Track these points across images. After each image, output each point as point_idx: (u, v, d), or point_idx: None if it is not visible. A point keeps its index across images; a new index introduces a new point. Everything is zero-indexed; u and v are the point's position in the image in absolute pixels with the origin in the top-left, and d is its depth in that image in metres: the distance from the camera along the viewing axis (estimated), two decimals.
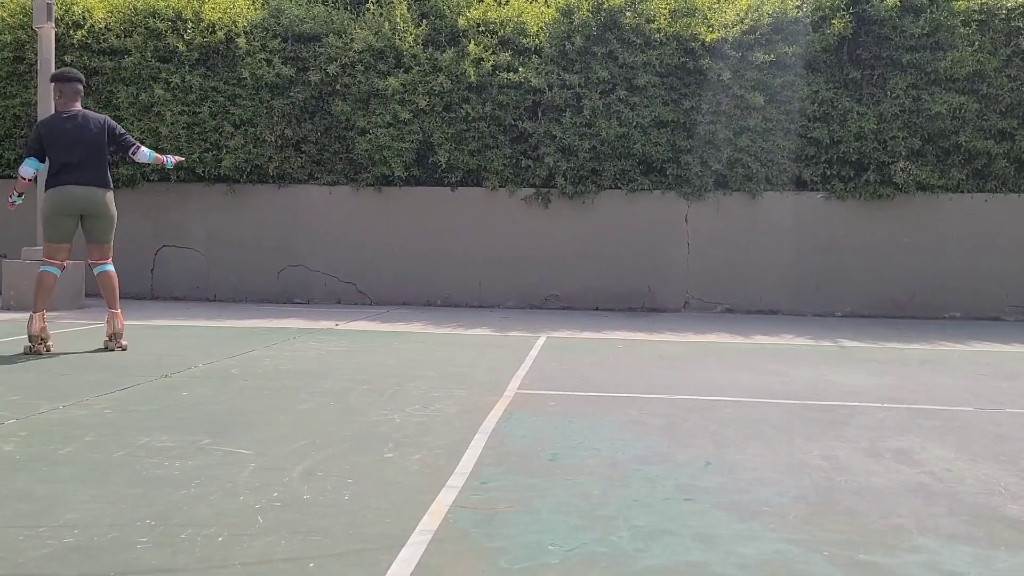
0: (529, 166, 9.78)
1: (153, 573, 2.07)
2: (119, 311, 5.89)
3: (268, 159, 10.01)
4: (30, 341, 5.57)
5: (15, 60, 10.13)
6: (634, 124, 9.48)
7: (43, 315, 5.60)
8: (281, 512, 2.52)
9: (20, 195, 5.86)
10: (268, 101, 9.85)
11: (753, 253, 9.71)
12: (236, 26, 9.79)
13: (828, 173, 9.56)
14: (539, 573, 2.12)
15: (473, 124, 9.68)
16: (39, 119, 8.78)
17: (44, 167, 5.81)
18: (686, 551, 2.28)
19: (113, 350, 5.79)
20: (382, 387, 4.58)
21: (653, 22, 9.35)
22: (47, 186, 5.73)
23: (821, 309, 9.66)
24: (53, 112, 5.83)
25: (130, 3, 9.97)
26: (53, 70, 8.84)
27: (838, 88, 9.43)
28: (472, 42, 9.48)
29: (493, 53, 9.51)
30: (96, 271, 5.94)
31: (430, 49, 9.71)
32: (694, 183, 9.60)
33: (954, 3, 9.12)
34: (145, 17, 9.88)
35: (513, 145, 9.80)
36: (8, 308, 8.55)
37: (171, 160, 6.18)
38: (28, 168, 5.68)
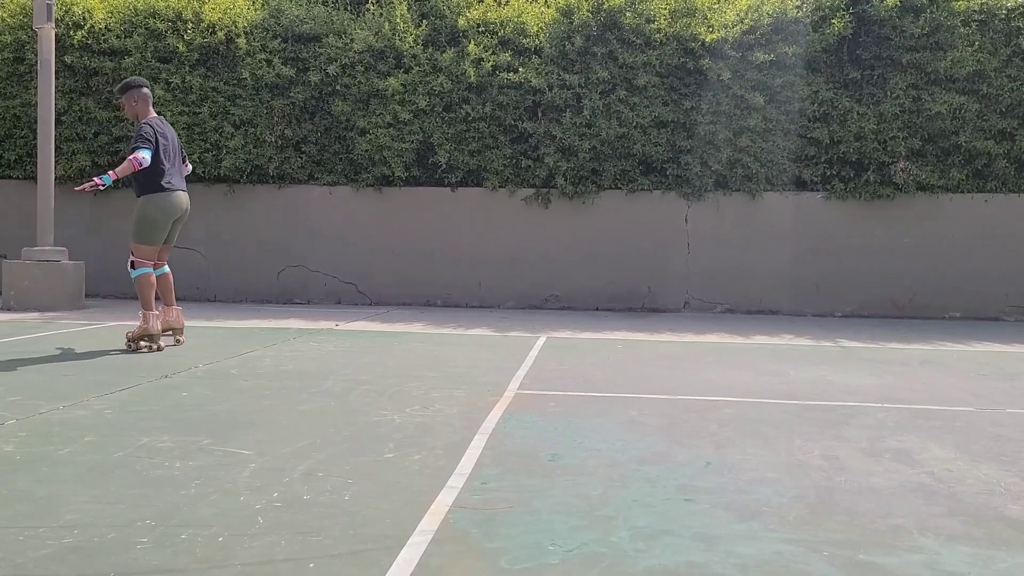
0: (529, 166, 9.78)
1: (153, 574, 2.07)
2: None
3: (268, 159, 10.01)
4: (150, 340, 5.76)
5: (15, 60, 10.14)
6: (634, 124, 9.48)
7: (157, 313, 5.84)
8: (281, 512, 2.52)
9: (112, 183, 5.68)
10: (268, 101, 9.86)
11: (753, 253, 9.71)
12: (236, 27, 9.79)
13: (828, 173, 9.56)
14: (539, 574, 2.12)
15: (473, 124, 9.68)
16: (39, 119, 8.79)
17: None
18: (686, 551, 2.28)
19: (180, 343, 6.12)
20: (382, 387, 4.58)
21: (653, 22, 9.36)
22: (155, 189, 5.71)
23: (821, 309, 9.66)
24: (148, 117, 5.80)
25: (130, 3, 9.98)
26: (53, 71, 8.87)
27: (838, 88, 9.44)
28: (472, 42, 9.48)
29: (493, 53, 9.52)
30: (163, 271, 6.07)
31: (430, 49, 9.71)
32: (694, 183, 9.60)
33: (954, 3, 9.12)
34: (145, 17, 9.89)
35: (513, 145, 9.80)
36: (8, 308, 8.55)
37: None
38: (148, 156, 5.53)
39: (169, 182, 5.77)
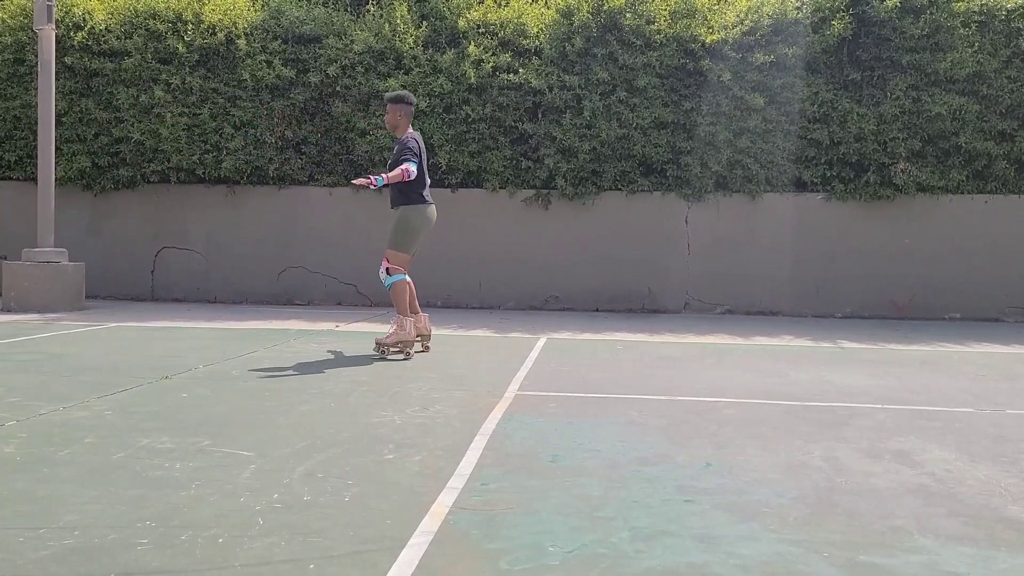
0: (529, 167, 9.78)
1: (153, 574, 2.07)
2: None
3: (268, 161, 10.01)
4: (404, 346, 5.77)
5: (15, 62, 10.13)
6: (634, 125, 9.48)
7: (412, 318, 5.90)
8: (281, 513, 2.52)
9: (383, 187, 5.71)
10: (268, 103, 9.86)
11: (753, 255, 9.71)
12: (236, 28, 9.80)
13: (828, 174, 9.56)
14: (539, 574, 2.12)
15: (473, 125, 9.68)
16: (39, 120, 8.79)
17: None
18: (686, 552, 2.28)
19: (428, 349, 6.12)
20: (382, 388, 4.58)
21: (653, 23, 9.36)
22: (417, 200, 5.87)
23: (821, 310, 9.66)
24: (410, 133, 5.91)
25: (130, 5, 9.98)
26: (53, 72, 8.87)
27: (838, 89, 9.44)
28: (472, 43, 9.49)
29: (493, 54, 9.52)
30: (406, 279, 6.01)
31: (430, 50, 9.71)
32: (694, 184, 9.60)
33: (954, 4, 9.13)
34: (145, 19, 9.89)
35: (513, 146, 9.80)
36: (8, 309, 8.54)
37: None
38: (415, 169, 5.66)
39: (428, 195, 5.96)
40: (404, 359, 5.70)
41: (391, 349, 5.78)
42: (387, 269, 5.88)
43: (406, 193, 5.86)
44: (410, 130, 5.98)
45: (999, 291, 9.48)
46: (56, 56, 9.17)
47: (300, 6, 10.04)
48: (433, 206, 6.04)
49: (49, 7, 8.71)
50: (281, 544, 2.27)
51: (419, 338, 6.05)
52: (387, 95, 6.10)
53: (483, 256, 9.98)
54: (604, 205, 9.83)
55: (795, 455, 3.34)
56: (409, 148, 5.76)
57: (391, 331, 5.86)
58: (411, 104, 6.01)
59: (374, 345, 5.87)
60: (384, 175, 5.63)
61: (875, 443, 3.57)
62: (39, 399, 4.10)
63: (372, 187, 5.61)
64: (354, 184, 5.82)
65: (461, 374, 5.14)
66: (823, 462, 3.24)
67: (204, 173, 10.11)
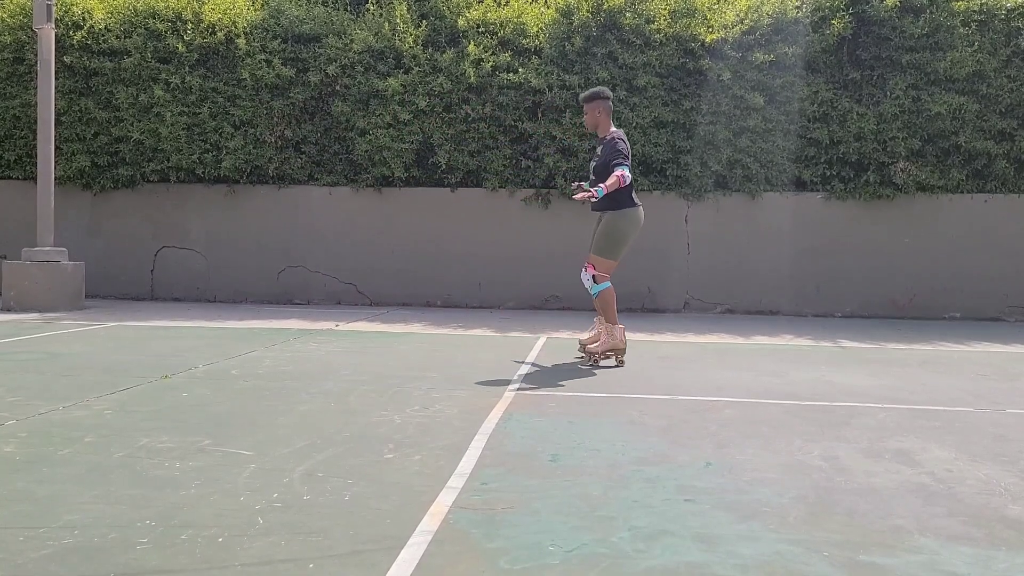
0: (529, 167, 9.78)
1: (153, 574, 2.07)
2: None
3: (268, 160, 10.01)
4: (617, 353, 5.59)
5: (15, 61, 10.14)
6: (634, 125, 9.47)
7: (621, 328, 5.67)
8: (281, 513, 2.52)
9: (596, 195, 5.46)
10: (268, 102, 9.85)
11: (753, 254, 9.71)
12: (236, 27, 9.80)
13: (828, 174, 9.56)
14: (539, 574, 2.12)
15: (473, 125, 9.68)
16: (39, 119, 8.79)
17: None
18: (686, 552, 2.28)
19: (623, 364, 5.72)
20: (382, 388, 4.58)
21: (653, 23, 9.36)
22: (628, 204, 5.64)
23: (821, 310, 9.66)
24: (615, 132, 5.67)
25: (130, 4, 9.98)
26: (53, 71, 8.87)
27: (838, 89, 9.44)
28: (472, 43, 9.48)
29: (493, 54, 9.52)
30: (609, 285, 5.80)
31: (430, 50, 9.71)
32: (694, 184, 9.60)
33: (954, 3, 9.13)
34: (145, 18, 9.89)
35: (513, 146, 9.80)
36: (8, 309, 8.54)
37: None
38: (628, 173, 5.46)
39: (636, 198, 5.71)
40: (617, 366, 5.56)
41: (602, 357, 5.59)
42: (593, 276, 5.67)
43: (616, 197, 5.55)
44: (613, 128, 5.68)
45: (999, 291, 9.48)
46: (55, 55, 9.17)
47: (300, 5, 10.04)
48: (641, 208, 5.74)
49: (49, 6, 8.70)
50: (281, 543, 2.27)
51: (624, 349, 5.78)
52: (581, 96, 5.79)
53: (483, 255, 9.98)
54: None
55: (795, 455, 3.34)
56: (619, 151, 5.49)
57: (600, 339, 5.63)
58: (608, 98, 5.67)
59: (581, 350, 5.67)
60: (602, 185, 5.39)
61: (875, 443, 3.57)
62: (39, 398, 4.09)
63: (593, 199, 5.43)
64: (575, 199, 5.53)
65: (461, 374, 5.14)
66: (823, 462, 3.24)
67: (204, 172, 10.11)
